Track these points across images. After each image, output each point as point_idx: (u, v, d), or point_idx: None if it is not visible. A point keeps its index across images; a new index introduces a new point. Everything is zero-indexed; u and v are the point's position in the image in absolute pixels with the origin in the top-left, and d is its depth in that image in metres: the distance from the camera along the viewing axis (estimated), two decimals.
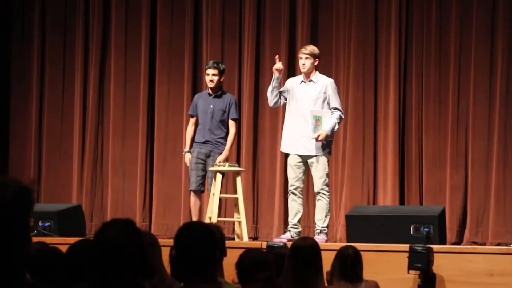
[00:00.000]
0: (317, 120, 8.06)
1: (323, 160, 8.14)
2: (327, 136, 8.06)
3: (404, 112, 9.97)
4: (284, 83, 8.45)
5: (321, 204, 8.16)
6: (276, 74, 8.20)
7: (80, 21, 10.84)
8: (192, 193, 8.78)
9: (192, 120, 8.90)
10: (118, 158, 10.67)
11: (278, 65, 8.18)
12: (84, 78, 10.84)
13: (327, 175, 8.19)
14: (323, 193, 8.14)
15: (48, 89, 10.94)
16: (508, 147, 9.62)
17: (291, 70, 10.15)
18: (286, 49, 10.25)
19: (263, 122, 10.36)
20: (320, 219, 8.16)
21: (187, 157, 8.79)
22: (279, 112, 10.16)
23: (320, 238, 8.04)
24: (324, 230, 8.17)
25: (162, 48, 10.65)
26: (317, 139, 8.03)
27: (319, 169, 8.12)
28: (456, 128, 9.77)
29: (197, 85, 10.49)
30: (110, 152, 10.68)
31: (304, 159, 8.19)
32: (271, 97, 8.28)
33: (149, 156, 10.62)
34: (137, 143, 10.60)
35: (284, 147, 8.31)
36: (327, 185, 8.17)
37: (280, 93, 8.26)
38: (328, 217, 8.19)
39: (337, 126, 8.21)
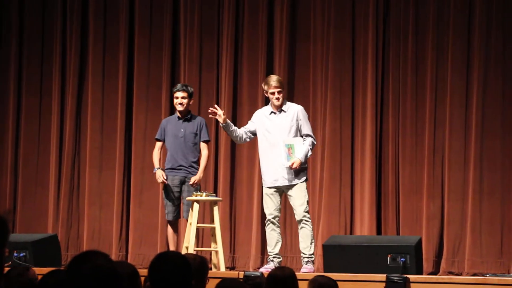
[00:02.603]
0: (290, 148, 8.07)
1: (302, 187, 8.12)
2: (301, 163, 8.06)
3: (381, 142, 10.01)
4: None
5: (305, 231, 8.12)
6: (221, 124, 8.17)
7: (57, 50, 10.83)
8: (169, 223, 8.73)
9: (158, 144, 8.79)
10: (95, 188, 10.63)
11: (220, 117, 8.12)
12: (61, 108, 10.81)
13: (308, 202, 8.17)
14: (305, 220, 8.10)
15: (25, 119, 10.90)
16: (484, 177, 9.67)
17: (268, 101, 10.18)
18: (264, 77, 10.27)
19: (240, 152, 10.36)
20: (306, 247, 8.11)
21: (160, 173, 8.60)
22: (256, 142, 10.17)
23: (308, 268, 8.00)
24: (311, 258, 8.11)
25: (140, 77, 10.65)
26: (291, 167, 8.02)
27: (299, 196, 8.09)
28: (433, 158, 9.81)
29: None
30: (86, 182, 10.64)
31: (281, 189, 8.18)
32: (234, 139, 8.34)
33: (126, 186, 10.58)
34: (114, 173, 10.56)
35: (266, 182, 8.23)
36: (308, 212, 8.14)
37: (243, 133, 8.27)
38: (313, 244, 8.16)
39: (310, 152, 8.20)
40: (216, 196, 8.96)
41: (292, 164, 8.00)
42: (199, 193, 8.39)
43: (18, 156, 10.89)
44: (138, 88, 10.64)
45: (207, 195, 8.40)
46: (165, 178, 8.60)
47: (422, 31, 9.94)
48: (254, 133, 8.32)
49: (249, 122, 8.45)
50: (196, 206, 8.33)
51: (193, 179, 8.49)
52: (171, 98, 10.55)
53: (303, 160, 8.07)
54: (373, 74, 10.00)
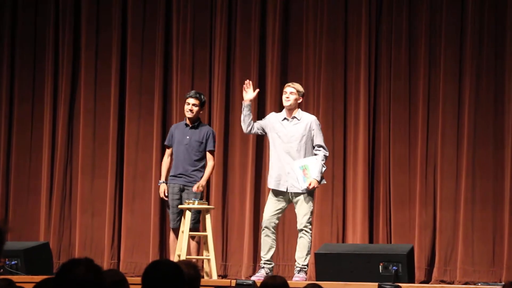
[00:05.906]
0: (304, 169, 8.01)
1: (309, 198, 8.09)
2: (318, 182, 8.02)
3: (373, 151, 10.02)
4: (256, 111, 8.43)
5: (303, 242, 8.09)
6: (245, 102, 8.16)
7: (49, 58, 10.82)
8: (172, 231, 8.72)
9: (168, 151, 8.76)
10: (87, 196, 10.61)
11: (249, 94, 8.13)
12: (53, 116, 10.79)
13: (312, 212, 8.13)
14: (306, 231, 8.07)
15: (17, 126, 10.88)
16: (476, 186, 9.69)
17: (261, 108, 10.19)
18: (256, 85, 10.27)
19: (232, 160, 10.36)
20: (301, 257, 8.09)
21: (162, 187, 8.62)
22: (248, 149, 10.18)
23: (300, 276, 7.99)
24: (305, 268, 8.10)
25: (132, 85, 10.65)
26: (308, 188, 7.99)
27: (304, 206, 8.03)
28: (425, 167, 9.83)
29: (167, 122, 10.49)
30: (78, 190, 10.62)
31: (288, 196, 8.14)
32: (244, 125, 8.23)
33: (118, 193, 10.56)
34: (106, 181, 10.55)
35: (271, 184, 8.19)
36: (310, 223, 8.10)
37: (255, 123, 8.21)
38: (309, 255, 8.13)
39: (324, 167, 8.13)
40: (208, 204, 8.95)
41: (309, 184, 7.98)
42: (191, 201, 8.38)
43: (10, 164, 10.86)
44: (130, 96, 10.64)
45: (199, 203, 8.39)
46: (166, 195, 8.59)
47: (414, 40, 9.97)
48: (263, 130, 8.26)
49: (263, 119, 8.38)
50: (188, 214, 8.33)
51: (196, 185, 8.45)
52: (164, 106, 10.59)
53: (319, 179, 8.01)
54: (365, 82, 10.02)
